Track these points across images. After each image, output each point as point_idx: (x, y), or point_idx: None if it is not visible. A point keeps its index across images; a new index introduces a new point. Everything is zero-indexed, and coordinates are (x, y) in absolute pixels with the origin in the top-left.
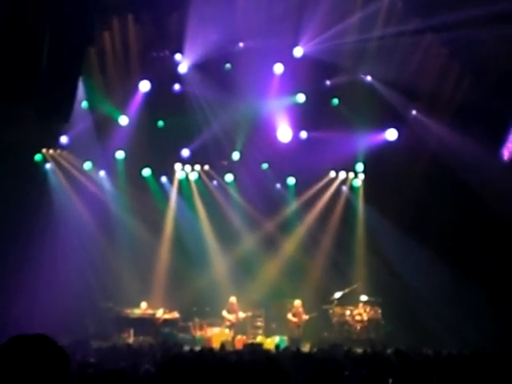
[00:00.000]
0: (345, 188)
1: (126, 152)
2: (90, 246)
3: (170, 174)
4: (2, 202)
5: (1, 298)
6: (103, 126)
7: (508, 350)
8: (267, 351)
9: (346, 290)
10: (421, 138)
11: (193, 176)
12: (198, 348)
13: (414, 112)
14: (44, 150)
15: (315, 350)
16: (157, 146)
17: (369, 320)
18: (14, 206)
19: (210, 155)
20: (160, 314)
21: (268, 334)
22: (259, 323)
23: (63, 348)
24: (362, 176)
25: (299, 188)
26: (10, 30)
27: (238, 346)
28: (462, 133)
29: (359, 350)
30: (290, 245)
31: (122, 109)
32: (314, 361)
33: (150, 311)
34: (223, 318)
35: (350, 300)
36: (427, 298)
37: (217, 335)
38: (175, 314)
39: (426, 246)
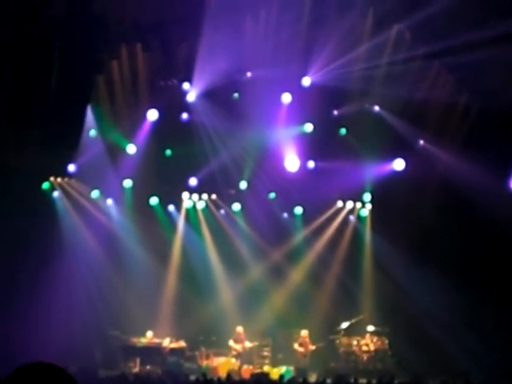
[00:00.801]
0: (352, 217)
1: (133, 180)
2: (97, 274)
3: (178, 203)
4: (9, 229)
5: (9, 325)
6: (111, 155)
7: None
8: (273, 381)
9: (353, 320)
10: (428, 168)
11: (200, 205)
12: (204, 378)
13: (421, 142)
14: (52, 178)
15: (321, 380)
16: (164, 174)
17: (376, 350)
18: (22, 233)
19: (218, 184)
20: (166, 343)
21: (275, 364)
22: (266, 353)
23: (72, 376)
24: (369, 206)
25: (306, 217)
26: (21, 56)
27: (245, 375)
28: (470, 162)
29: (365, 381)
30: (297, 274)
31: (130, 137)
32: None
33: (156, 340)
34: (230, 348)
35: (356, 330)
36: (436, 325)
37: (223, 365)
38: (182, 343)
39: (434, 273)
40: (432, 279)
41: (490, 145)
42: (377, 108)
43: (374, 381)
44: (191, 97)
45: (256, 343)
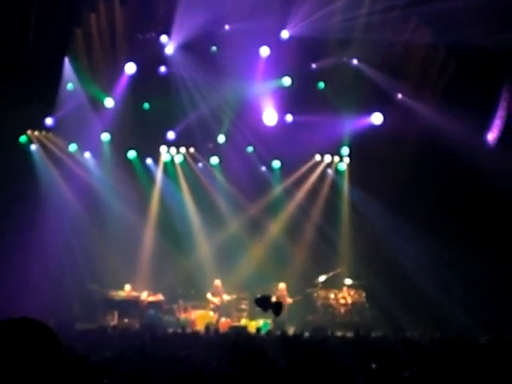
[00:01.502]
0: (330, 171)
1: (111, 134)
2: (75, 228)
3: (156, 157)
4: None
5: None
6: (88, 108)
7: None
8: (251, 334)
9: (331, 274)
10: (406, 121)
11: (178, 158)
12: (182, 330)
13: (399, 95)
14: (29, 132)
15: (299, 333)
16: (142, 128)
17: (353, 303)
18: (0, 187)
19: (196, 138)
20: (144, 296)
21: (252, 317)
22: (244, 306)
23: (52, 330)
24: (347, 160)
25: (284, 171)
26: None
27: (223, 328)
28: (448, 114)
29: (342, 334)
30: (275, 228)
31: (108, 91)
32: (298, 344)
33: (134, 293)
34: (208, 301)
35: (334, 283)
36: (415, 276)
37: (201, 318)
38: (160, 297)
39: (413, 225)
40: (410, 230)
41: (468, 97)
42: (355, 61)
43: (350, 333)
44: (169, 50)
45: (234, 296)
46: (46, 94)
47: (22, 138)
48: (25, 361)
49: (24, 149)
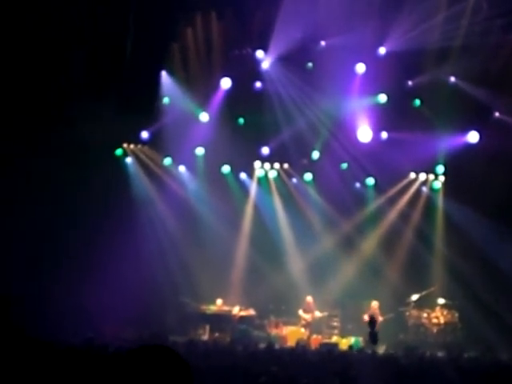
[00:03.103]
0: (425, 189)
1: (205, 148)
2: (169, 240)
3: (250, 172)
4: (84, 196)
5: (86, 289)
6: (184, 122)
7: None
8: (342, 352)
9: (424, 293)
10: (503, 140)
11: (272, 174)
12: (273, 346)
13: (497, 113)
14: (125, 145)
15: (390, 352)
16: (236, 143)
17: (445, 323)
18: (96, 200)
19: (290, 154)
20: (236, 311)
21: (343, 335)
22: (335, 323)
23: (184, 361)
24: (442, 178)
25: (379, 188)
26: (97, 24)
27: (314, 345)
28: None
29: (434, 353)
30: (368, 245)
31: (203, 105)
32: (389, 363)
33: (226, 308)
34: (299, 317)
35: (427, 303)
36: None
37: (292, 334)
38: (251, 312)
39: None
40: (507, 250)
41: None
42: (452, 78)
43: (441, 353)
44: (265, 65)
45: (325, 313)
46: (143, 108)
47: (118, 151)
48: None
49: (120, 161)
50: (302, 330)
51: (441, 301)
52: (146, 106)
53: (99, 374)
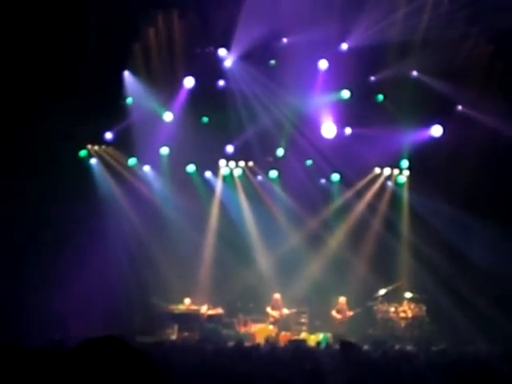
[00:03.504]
0: (390, 183)
1: (170, 148)
2: (135, 241)
3: (215, 170)
4: (49, 198)
5: (50, 293)
6: (148, 122)
7: None
8: (310, 348)
9: (391, 287)
10: (467, 133)
11: (237, 172)
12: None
13: (459, 107)
14: (89, 146)
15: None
16: (201, 142)
17: (413, 317)
18: (61, 201)
19: (254, 151)
20: (204, 309)
21: (312, 331)
22: (303, 320)
23: (137, 349)
24: (407, 172)
25: (344, 184)
26: (58, 23)
27: (282, 342)
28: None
29: (403, 347)
30: (335, 241)
31: (167, 105)
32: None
33: (194, 307)
34: (267, 315)
35: (394, 297)
36: (480, 290)
37: (261, 331)
38: (219, 310)
39: (474, 240)
40: (471, 243)
41: None
42: (415, 73)
43: (410, 347)
44: (228, 63)
45: (293, 310)
46: (106, 109)
47: (82, 152)
48: (110, 380)
49: (84, 163)
50: (271, 327)
51: (408, 295)
52: (110, 106)
53: (53, 372)
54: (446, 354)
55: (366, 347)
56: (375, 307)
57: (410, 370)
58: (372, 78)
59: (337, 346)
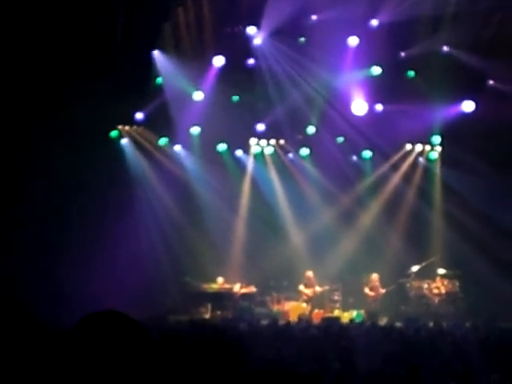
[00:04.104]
0: (422, 160)
1: (201, 127)
2: (167, 221)
3: (246, 149)
4: (82, 180)
5: (82, 272)
6: (178, 102)
7: None
8: (344, 325)
9: (424, 264)
10: (499, 108)
11: (268, 150)
12: (276, 322)
13: (491, 82)
14: (120, 127)
15: (392, 323)
16: (231, 120)
17: (447, 293)
18: (94, 183)
19: (285, 129)
20: (237, 288)
21: (345, 308)
22: (336, 297)
23: (139, 323)
24: (439, 148)
25: (375, 161)
26: (88, 6)
27: (316, 319)
28: None
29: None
30: (367, 218)
31: (197, 84)
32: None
33: (227, 286)
34: (300, 292)
35: (427, 273)
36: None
37: (294, 309)
38: (252, 289)
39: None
40: (506, 219)
41: None
42: (445, 48)
43: (444, 324)
44: (257, 41)
45: (326, 287)
46: (136, 89)
47: (113, 133)
48: (112, 353)
49: (115, 144)
50: (304, 305)
51: (441, 271)
52: (140, 86)
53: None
54: (481, 330)
55: (398, 324)
56: (408, 284)
57: (444, 347)
58: (402, 54)
59: (370, 322)
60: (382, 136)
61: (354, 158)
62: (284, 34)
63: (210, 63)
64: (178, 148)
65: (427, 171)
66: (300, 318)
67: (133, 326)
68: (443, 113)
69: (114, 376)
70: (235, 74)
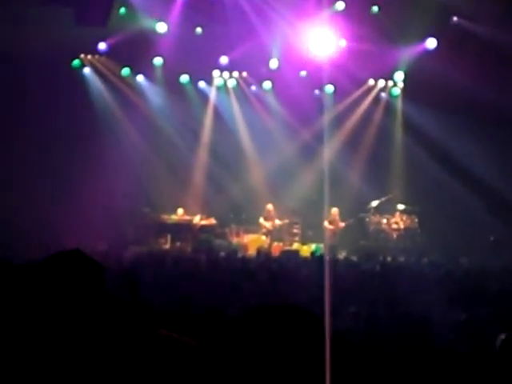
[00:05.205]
0: (384, 95)
1: (164, 58)
2: (129, 151)
3: (209, 81)
4: (42, 107)
5: (45, 206)
6: (141, 33)
7: None
8: (303, 258)
9: (383, 199)
10: (461, 45)
11: (231, 83)
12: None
13: (455, 18)
14: (82, 55)
15: (351, 257)
16: (195, 53)
17: (405, 228)
18: (55, 110)
19: (249, 63)
20: (197, 220)
21: (304, 242)
22: (296, 230)
23: (98, 262)
24: (401, 84)
25: (338, 96)
26: None
27: (275, 252)
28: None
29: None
30: (328, 153)
31: (161, 16)
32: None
33: (187, 217)
34: (260, 225)
35: (386, 209)
36: (471, 202)
37: (253, 242)
38: (212, 221)
39: (469, 149)
40: (467, 152)
41: None
42: None
43: (402, 258)
44: None
45: (286, 221)
46: (99, 19)
47: (75, 62)
48: (69, 291)
49: (77, 73)
50: (263, 237)
51: (400, 206)
52: (103, 16)
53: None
54: (437, 265)
55: (355, 258)
56: (367, 219)
57: (401, 281)
58: None
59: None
60: (345, 71)
61: (317, 92)
62: None
63: None
64: (140, 78)
65: (389, 107)
66: (259, 251)
67: (88, 263)
68: (407, 51)
69: (68, 312)
70: (200, 6)
